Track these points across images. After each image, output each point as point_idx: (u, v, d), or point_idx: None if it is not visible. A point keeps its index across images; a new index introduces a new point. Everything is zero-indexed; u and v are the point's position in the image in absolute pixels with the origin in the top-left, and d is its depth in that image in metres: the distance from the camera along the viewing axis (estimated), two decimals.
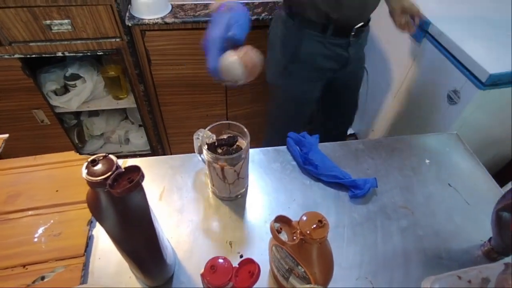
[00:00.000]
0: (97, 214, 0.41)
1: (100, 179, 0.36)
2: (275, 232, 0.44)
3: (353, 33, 0.95)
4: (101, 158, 0.38)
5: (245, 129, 0.61)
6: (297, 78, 1.06)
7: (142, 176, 0.37)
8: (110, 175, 0.37)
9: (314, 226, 0.42)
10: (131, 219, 0.41)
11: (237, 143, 0.62)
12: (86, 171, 0.37)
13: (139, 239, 0.45)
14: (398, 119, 1.49)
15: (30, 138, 1.55)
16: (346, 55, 1.00)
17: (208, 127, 0.61)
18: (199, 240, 0.63)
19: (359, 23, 0.95)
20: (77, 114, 1.71)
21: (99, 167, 0.38)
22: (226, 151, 0.60)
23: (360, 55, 1.11)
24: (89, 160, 0.38)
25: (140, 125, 1.78)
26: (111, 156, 0.39)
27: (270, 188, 0.71)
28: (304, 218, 0.43)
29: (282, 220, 0.46)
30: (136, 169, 0.38)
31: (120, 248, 0.46)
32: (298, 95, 1.09)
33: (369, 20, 1.01)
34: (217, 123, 0.61)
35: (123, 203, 0.39)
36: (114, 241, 0.45)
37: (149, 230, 0.46)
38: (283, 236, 0.45)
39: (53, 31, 1.16)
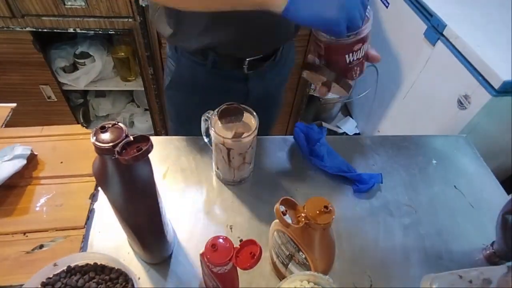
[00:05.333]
0: (102, 182, 0.40)
1: (109, 146, 0.36)
2: (280, 214, 0.44)
3: (245, 66, 0.75)
4: (110, 125, 0.38)
5: (254, 112, 0.60)
6: (178, 107, 0.89)
7: (151, 146, 0.37)
8: (119, 142, 0.36)
9: (320, 211, 0.42)
10: (136, 189, 0.41)
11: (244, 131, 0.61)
12: (94, 137, 0.37)
13: (142, 210, 0.45)
14: (405, 121, 1.47)
15: (35, 114, 1.55)
16: (244, 89, 0.81)
17: (217, 109, 0.61)
18: (200, 221, 0.63)
19: (251, 56, 0.74)
20: (84, 94, 1.71)
21: (107, 134, 0.37)
22: (236, 134, 0.59)
23: (269, 93, 0.89)
24: (98, 126, 0.38)
25: (145, 109, 1.78)
26: (121, 124, 0.38)
27: (274, 176, 0.71)
28: (310, 203, 0.43)
29: (287, 203, 0.45)
30: (145, 139, 0.38)
31: (122, 219, 0.46)
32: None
33: (273, 55, 0.78)
34: (226, 104, 0.60)
35: (130, 172, 0.39)
36: (117, 211, 0.45)
37: (153, 202, 0.45)
38: (287, 220, 0.45)
39: (66, 6, 1.15)
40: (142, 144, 0.37)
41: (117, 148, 0.36)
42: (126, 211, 0.44)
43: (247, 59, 0.74)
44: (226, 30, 0.67)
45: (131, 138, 0.38)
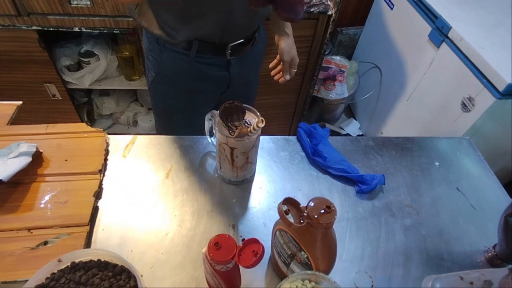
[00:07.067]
0: None
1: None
2: (283, 213, 0.44)
3: (229, 52, 0.79)
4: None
5: (258, 112, 0.60)
6: (165, 100, 0.91)
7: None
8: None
9: (322, 211, 0.42)
10: None
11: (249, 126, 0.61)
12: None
13: None
14: (408, 122, 1.47)
15: (40, 112, 1.56)
16: (226, 76, 0.85)
17: (220, 108, 0.61)
18: (202, 220, 0.63)
19: (234, 41, 0.78)
20: (88, 92, 1.72)
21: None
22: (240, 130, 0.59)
23: (249, 77, 0.94)
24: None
25: (149, 109, 1.78)
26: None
27: (276, 176, 0.71)
28: (312, 203, 0.43)
29: (290, 203, 0.45)
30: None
31: None
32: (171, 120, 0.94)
33: (252, 38, 0.83)
34: (227, 103, 0.59)
35: None
36: None
37: None
38: (290, 219, 0.45)
39: (72, 5, 1.16)
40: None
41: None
42: None
43: (230, 45, 0.78)
44: (210, 19, 0.71)
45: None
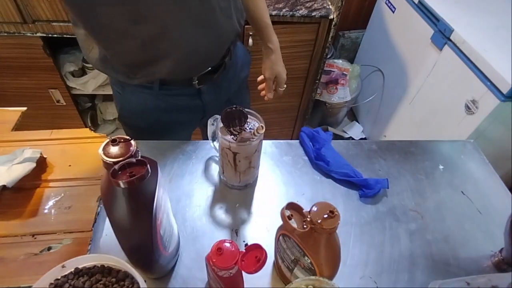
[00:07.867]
0: (103, 194, 0.40)
1: (111, 162, 0.36)
2: (286, 218, 0.44)
3: (196, 82, 0.73)
4: (122, 141, 0.39)
5: (260, 117, 0.60)
6: (138, 132, 0.84)
7: (147, 172, 0.37)
8: (120, 161, 0.36)
9: (325, 216, 0.42)
10: (132, 210, 0.40)
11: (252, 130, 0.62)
12: (102, 151, 0.37)
13: (137, 231, 0.44)
14: (411, 126, 1.47)
15: (45, 117, 1.57)
16: (199, 104, 0.80)
17: (222, 113, 0.61)
18: (205, 225, 0.63)
19: (200, 73, 0.72)
20: (92, 98, 1.73)
21: (116, 149, 0.38)
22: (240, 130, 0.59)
23: (229, 97, 0.86)
24: (110, 139, 0.38)
25: None
26: (132, 142, 0.39)
27: (279, 180, 0.71)
28: (315, 208, 0.43)
29: (293, 208, 0.45)
30: (144, 164, 0.37)
31: (117, 236, 0.45)
32: None
33: (222, 64, 0.76)
34: (229, 107, 0.59)
35: (128, 193, 0.38)
36: (114, 228, 0.44)
37: (147, 226, 0.43)
38: (293, 224, 0.45)
39: None
40: (140, 169, 0.37)
41: (115, 167, 0.36)
42: (124, 230, 0.44)
43: (196, 76, 0.73)
44: (171, 61, 0.65)
45: (134, 160, 0.37)
